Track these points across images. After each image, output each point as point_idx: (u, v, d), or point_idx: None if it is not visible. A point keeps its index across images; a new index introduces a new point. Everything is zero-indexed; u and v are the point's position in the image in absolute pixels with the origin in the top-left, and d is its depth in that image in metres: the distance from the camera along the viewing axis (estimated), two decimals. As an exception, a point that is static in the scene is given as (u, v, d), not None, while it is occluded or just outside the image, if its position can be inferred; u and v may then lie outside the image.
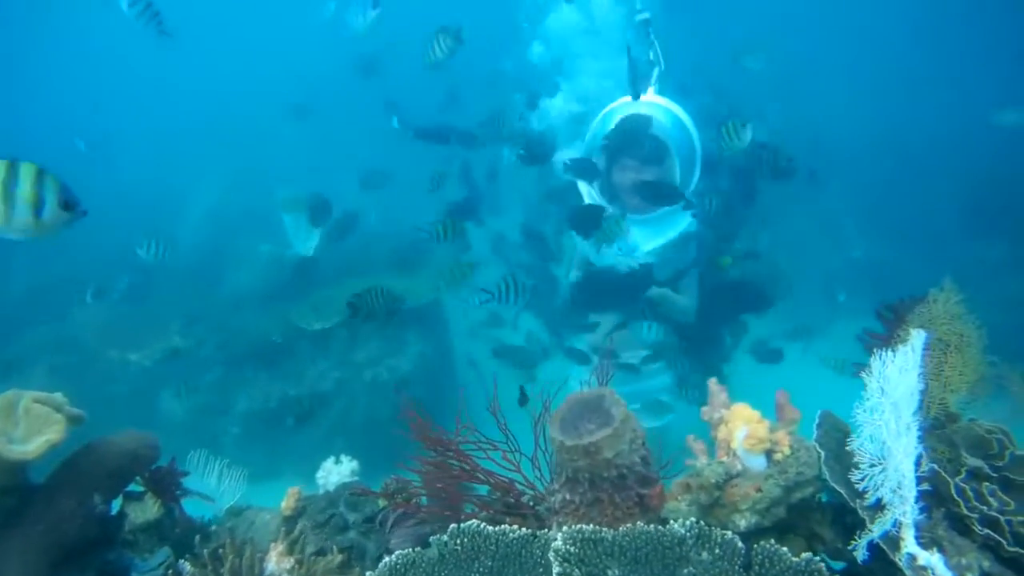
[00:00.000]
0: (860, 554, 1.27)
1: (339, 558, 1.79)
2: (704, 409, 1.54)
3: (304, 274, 5.61)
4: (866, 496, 1.30)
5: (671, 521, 1.37)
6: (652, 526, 1.35)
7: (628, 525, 1.36)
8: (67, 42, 14.28)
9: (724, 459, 1.44)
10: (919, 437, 1.29)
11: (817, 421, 1.56)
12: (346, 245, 5.47)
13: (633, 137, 3.48)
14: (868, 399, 1.29)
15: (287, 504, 2.03)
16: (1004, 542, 1.28)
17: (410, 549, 1.52)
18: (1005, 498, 1.39)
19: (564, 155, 3.69)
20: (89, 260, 6.20)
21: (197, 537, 1.90)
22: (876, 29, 12.23)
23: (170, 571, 1.82)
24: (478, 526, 1.48)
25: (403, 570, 1.49)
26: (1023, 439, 1.51)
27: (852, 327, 2.12)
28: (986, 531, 1.30)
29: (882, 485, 1.26)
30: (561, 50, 4.22)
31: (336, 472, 2.14)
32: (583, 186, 3.70)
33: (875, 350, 1.30)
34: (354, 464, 2.14)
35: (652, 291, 3.61)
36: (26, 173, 1.53)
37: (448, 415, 1.83)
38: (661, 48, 3.73)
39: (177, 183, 8.48)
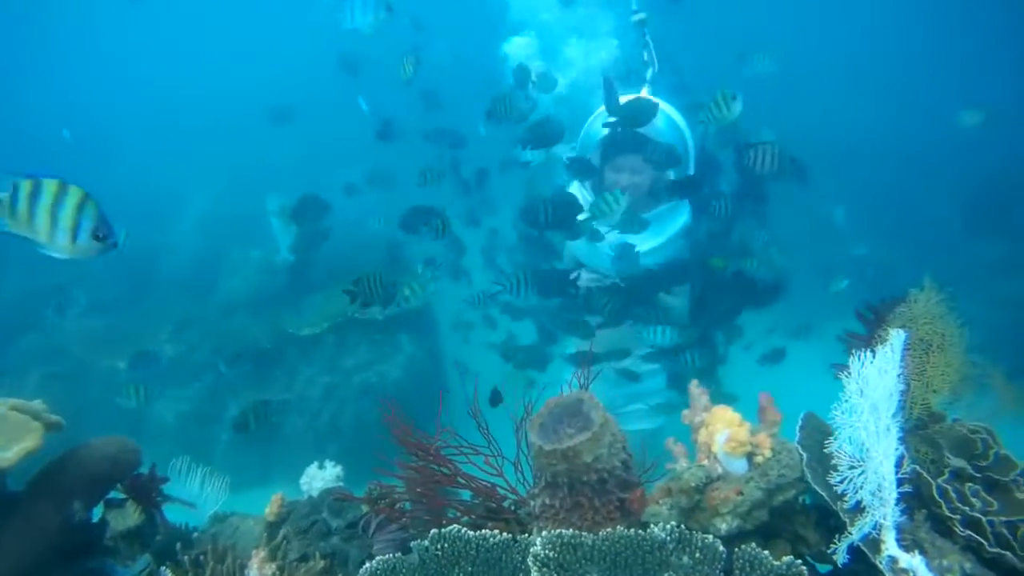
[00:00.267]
0: (840, 557, 1.26)
1: (321, 564, 1.78)
2: (685, 413, 1.53)
3: (294, 280, 5.60)
4: (846, 499, 1.28)
5: (651, 525, 1.36)
6: (632, 530, 1.34)
7: (608, 529, 1.35)
8: (62, 42, 14.30)
9: (704, 462, 1.43)
10: (900, 438, 1.28)
11: (800, 423, 1.54)
12: (336, 250, 5.45)
13: (630, 137, 3.45)
14: (847, 400, 1.28)
15: (271, 510, 2.02)
16: (985, 543, 1.27)
17: (391, 555, 1.51)
18: (988, 498, 1.38)
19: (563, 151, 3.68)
20: (82, 267, 6.18)
21: (179, 544, 1.88)
22: (874, 29, 12.28)
23: (151, 578, 1.81)
24: (458, 531, 1.47)
25: (383, 576, 1.47)
26: (1007, 437, 1.50)
27: (852, 325, 2.11)
28: (968, 532, 1.29)
29: (862, 487, 1.25)
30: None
31: (320, 478, 2.12)
32: (575, 187, 3.69)
33: (854, 351, 1.29)
34: (338, 469, 2.12)
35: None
36: (71, 197, 1.56)
37: (442, 419, 1.82)
38: (656, 49, 3.73)
39: (172, 188, 8.47)
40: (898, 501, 1.27)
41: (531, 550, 1.34)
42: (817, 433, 1.53)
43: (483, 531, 1.46)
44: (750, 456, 1.42)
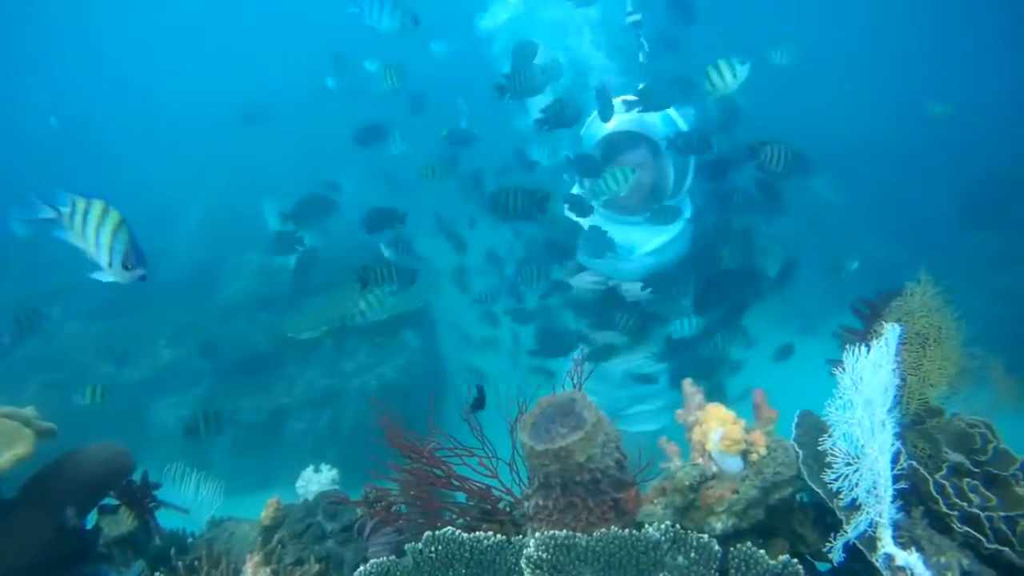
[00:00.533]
0: (836, 556, 1.25)
1: (316, 567, 1.77)
2: (679, 412, 1.51)
3: (293, 284, 5.58)
4: (842, 496, 1.27)
5: (646, 525, 1.34)
6: (626, 530, 1.32)
7: (602, 530, 1.33)
8: (61, 43, 14.34)
9: (699, 461, 1.41)
10: (896, 434, 1.26)
11: (796, 420, 1.53)
12: (335, 254, 5.43)
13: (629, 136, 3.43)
14: (841, 396, 1.26)
15: (266, 514, 2.00)
16: (983, 539, 1.25)
17: (386, 558, 1.49)
18: (987, 494, 1.36)
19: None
20: (80, 271, 6.18)
21: (173, 549, 1.87)
22: (874, 29, 12.26)
23: (145, 584, 1.80)
24: (452, 533, 1.46)
25: (377, 579, 1.46)
26: (1007, 431, 1.48)
27: (852, 321, 2.09)
28: (966, 528, 1.28)
29: (857, 485, 1.23)
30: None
31: (316, 481, 2.11)
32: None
33: (848, 346, 1.27)
34: (333, 473, 2.11)
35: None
36: (110, 222, 1.58)
37: (439, 421, 1.80)
38: (651, 50, 3.71)
39: (171, 192, 8.47)
40: (894, 498, 1.25)
41: (524, 552, 1.33)
42: (813, 430, 1.51)
43: (477, 533, 1.45)
44: (745, 454, 1.41)
